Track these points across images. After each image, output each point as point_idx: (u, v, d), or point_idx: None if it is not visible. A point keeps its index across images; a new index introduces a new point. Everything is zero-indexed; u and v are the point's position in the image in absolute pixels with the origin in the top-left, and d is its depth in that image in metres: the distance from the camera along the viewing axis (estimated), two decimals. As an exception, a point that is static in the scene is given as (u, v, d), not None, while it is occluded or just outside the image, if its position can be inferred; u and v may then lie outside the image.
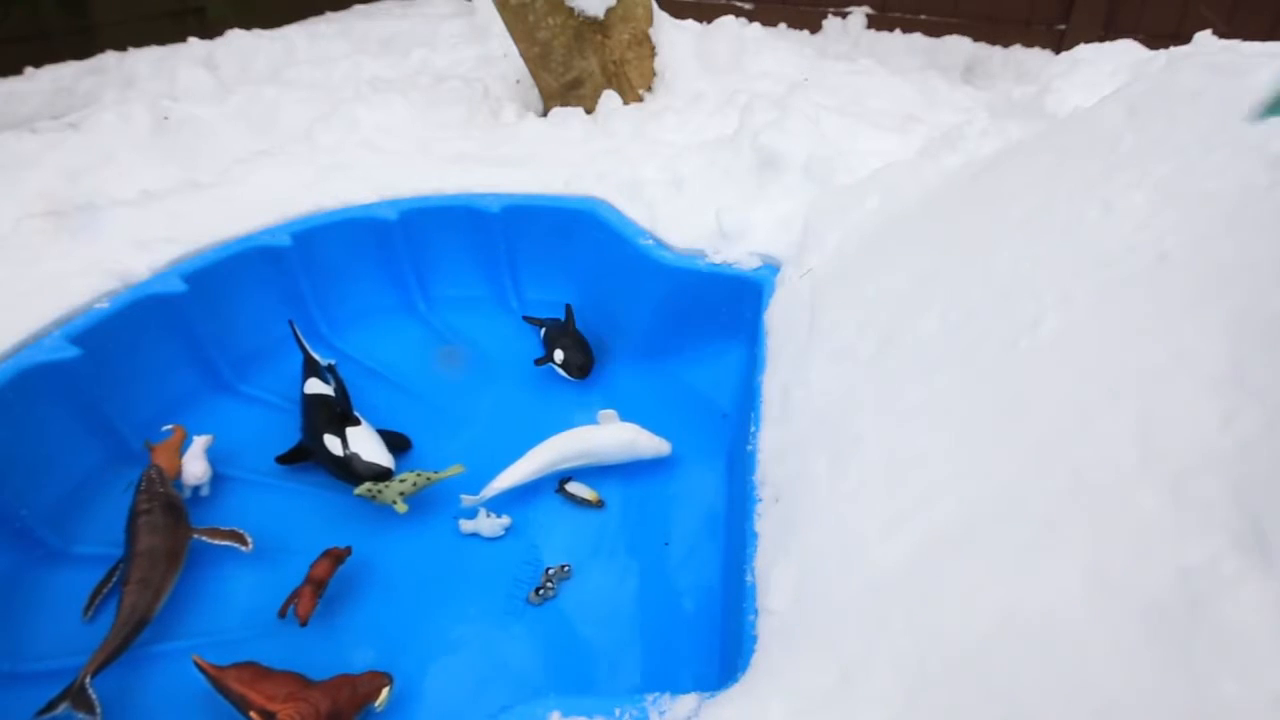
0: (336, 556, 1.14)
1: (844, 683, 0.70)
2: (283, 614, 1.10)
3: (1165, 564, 0.55)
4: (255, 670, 0.98)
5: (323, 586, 1.11)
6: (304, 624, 1.06)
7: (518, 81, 2.44)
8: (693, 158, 1.74)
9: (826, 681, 0.71)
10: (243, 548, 1.18)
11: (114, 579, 1.14)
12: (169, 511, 1.17)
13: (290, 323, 1.54)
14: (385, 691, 0.99)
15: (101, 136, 1.84)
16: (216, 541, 1.18)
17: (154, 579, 1.09)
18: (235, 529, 1.20)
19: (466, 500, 1.28)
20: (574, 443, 1.35)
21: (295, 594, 1.10)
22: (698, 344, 1.58)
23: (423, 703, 1.03)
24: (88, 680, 0.98)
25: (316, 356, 1.50)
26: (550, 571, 1.20)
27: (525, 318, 1.77)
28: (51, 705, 0.96)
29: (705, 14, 2.60)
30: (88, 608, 1.12)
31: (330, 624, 1.13)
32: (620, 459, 1.37)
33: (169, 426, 1.35)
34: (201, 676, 0.98)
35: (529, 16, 2.13)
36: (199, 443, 1.32)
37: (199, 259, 1.50)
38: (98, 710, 0.97)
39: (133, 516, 1.15)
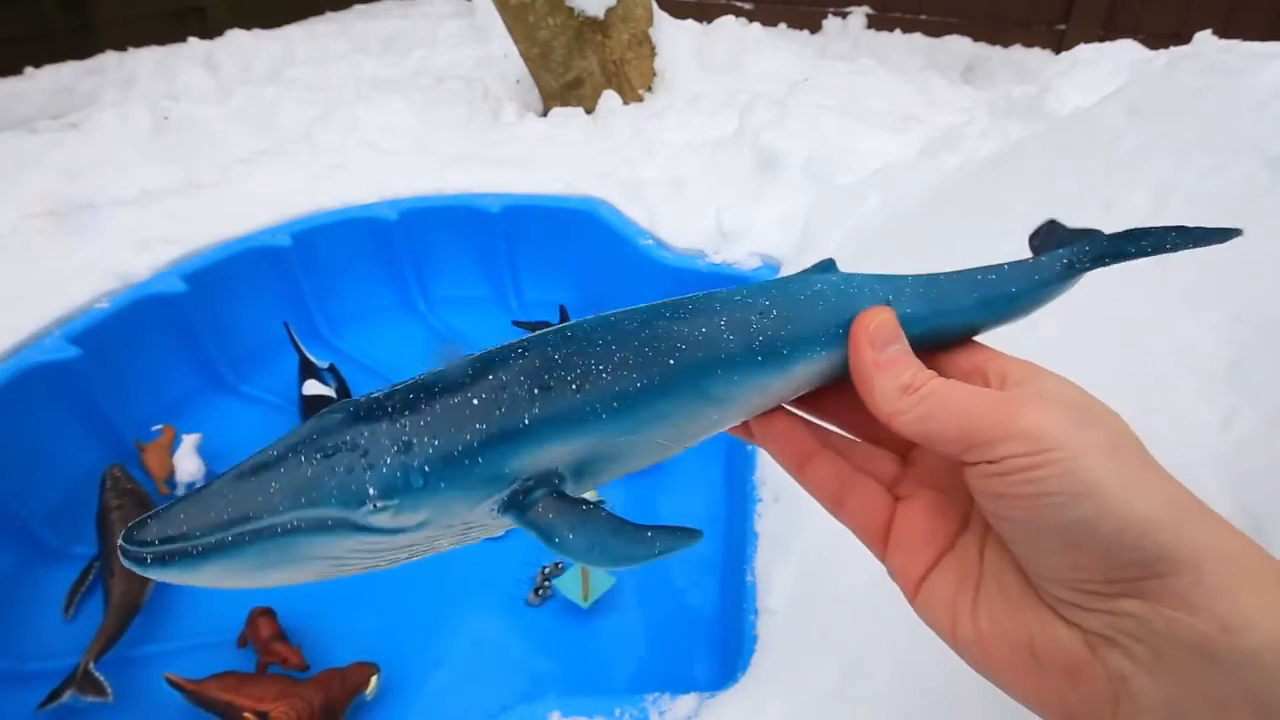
0: (267, 612, 1.08)
1: (844, 682, 0.70)
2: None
3: (1165, 564, 0.55)
4: (238, 677, 0.97)
5: (284, 636, 1.06)
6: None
7: (518, 81, 2.44)
8: (693, 158, 1.74)
9: (827, 681, 0.71)
10: None
11: (91, 575, 1.15)
12: (141, 506, 1.17)
13: (286, 325, 1.54)
14: (374, 680, 0.99)
15: (101, 136, 1.84)
16: None
17: None
18: None
19: None
20: None
21: (269, 659, 1.02)
22: (698, 344, 1.58)
23: (422, 703, 1.03)
24: (91, 665, 0.98)
25: (313, 358, 1.50)
26: (545, 570, 1.20)
27: (515, 322, 1.77)
28: (56, 694, 0.97)
29: (705, 14, 2.60)
30: (68, 606, 1.12)
31: (328, 625, 1.13)
32: None
33: (159, 426, 1.35)
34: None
35: (529, 16, 2.13)
36: (189, 441, 1.32)
37: (199, 259, 1.50)
38: (108, 690, 0.97)
39: (104, 513, 1.16)
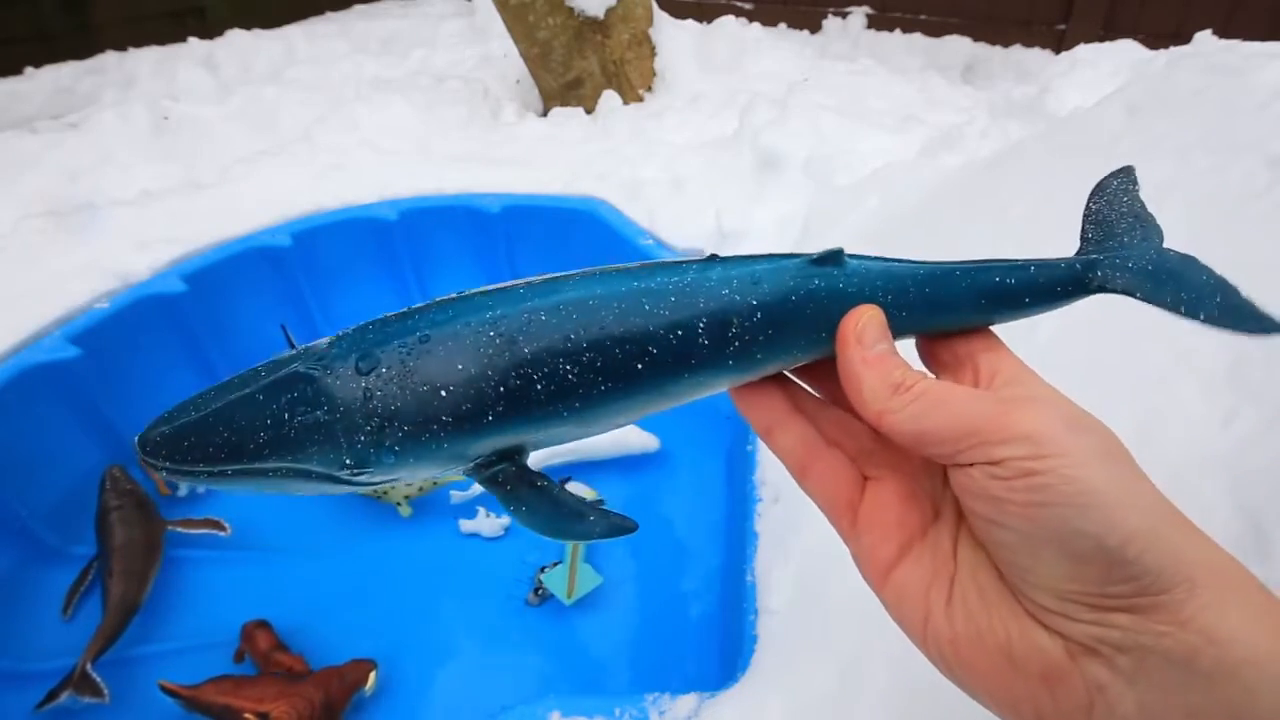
0: (263, 625, 1.07)
1: (844, 682, 0.70)
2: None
3: (1165, 564, 0.55)
4: (234, 680, 0.97)
5: (284, 645, 1.05)
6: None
7: (518, 81, 2.44)
8: (693, 158, 1.74)
9: (827, 681, 0.71)
10: (221, 533, 1.19)
11: (90, 576, 1.15)
12: (140, 506, 1.17)
13: (283, 327, 1.54)
14: (372, 676, 0.99)
15: (101, 136, 1.84)
16: (193, 530, 1.19)
17: (137, 568, 1.10)
18: (210, 517, 1.20)
19: (456, 496, 1.28)
20: None
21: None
22: (698, 344, 1.58)
23: (422, 703, 1.03)
24: (89, 665, 0.98)
25: None
26: (545, 570, 1.20)
27: None
28: (53, 695, 0.97)
29: (705, 14, 2.60)
30: (66, 606, 1.12)
31: (326, 629, 1.13)
32: (609, 454, 1.37)
33: None
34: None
35: (529, 16, 2.13)
36: None
37: (199, 259, 1.50)
38: (105, 691, 0.97)
39: (104, 514, 1.16)
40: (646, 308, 0.28)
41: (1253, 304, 0.29)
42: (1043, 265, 0.30)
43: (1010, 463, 0.24)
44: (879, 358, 0.27)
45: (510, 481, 0.29)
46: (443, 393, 0.27)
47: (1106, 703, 0.23)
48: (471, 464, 0.29)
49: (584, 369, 0.27)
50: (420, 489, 1.26)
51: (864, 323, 0.28)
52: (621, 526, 0.30)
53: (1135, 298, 0.30)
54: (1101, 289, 0.30)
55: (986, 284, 0.30)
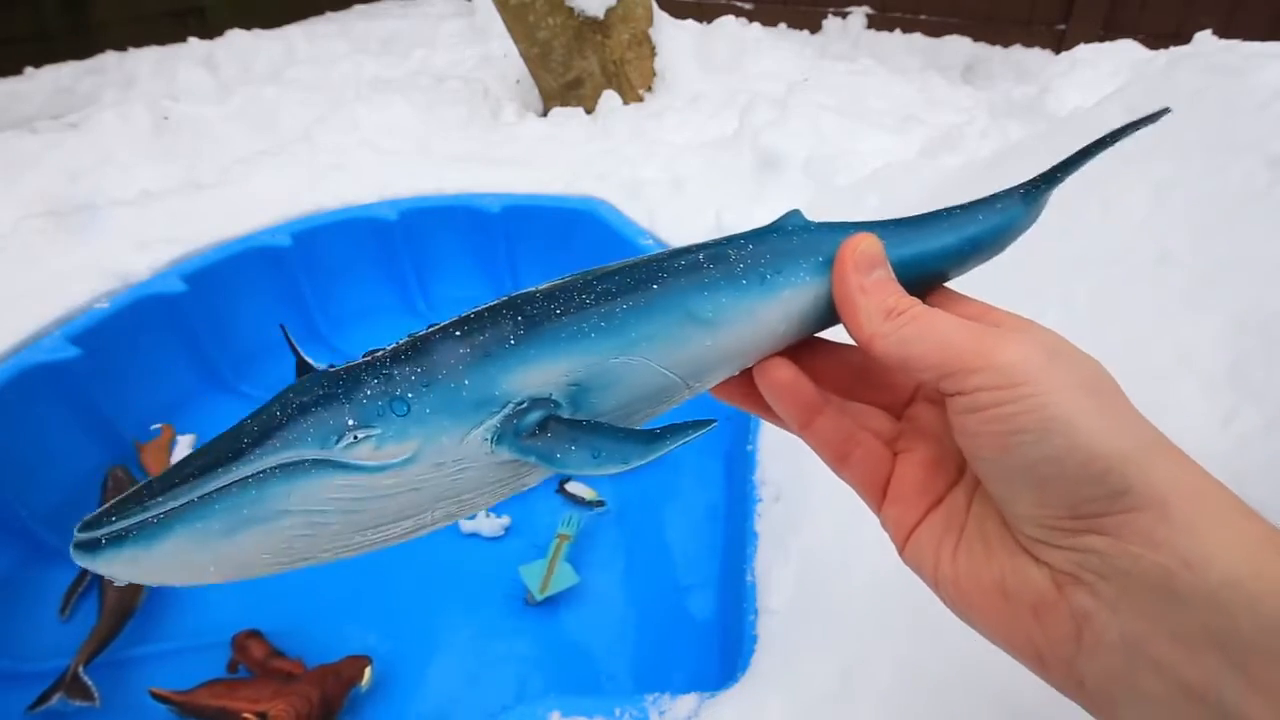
0: (254, 634, 1.06)
1: (844, 683, 0.70)
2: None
3: (1165, 564, 0.55)
4: (227, 683, 0.97)
5: (280, 651, 1.04)
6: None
7: (518, 81, 2.44)
8: (693, 158, 1.74)
9: (827, 681, 0.71)
10: None
11: (89, 577, 1.15)
12: None
13: (282, 327, 1.54)
14: (368, 672, 0.98)
15: (101, 136, 1.84)
16: None
17: None
18: None
19: None
20: None
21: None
22: (698, 344, 1.58)
23: (421, 703, 1.03)
24: (80, 669, 0.98)
25: (310, 361, 1.50)
26: (524, 566, 1.19)
27: None
28: (45, 697, 0.96)
29: (705, 14, 2.60)
30: (64, 607, 1.12)
31: (327, 625, 1.13)
32: None
33: (157, 425, 1.35)
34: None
35: (529, 16, 2.13)
36: (184, 442, 1.33)
37: (199, 259, 1.50)
38: (96, 695, 0.97)
39: None
40: (645, 259, 0.30)
41: (1136, 118, 0.32)
42: (977, 199, 0.33)
43: (982, 394, 0.25)
44: (876, 284, 0.28)
45: (552, 427, 0.25)
46: (457, 333, 0.26)
47: (1093, 631, 0.24)
48: (501, 415, 0.25)
49: (599, 296, 0.28)
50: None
51: (862, 249, 0.29)
52: (697, 428, 0.27)
53: (1059, 178, 0.33)
54: (1030, 193, 0.33)
55: (939, 218, 0.32)
